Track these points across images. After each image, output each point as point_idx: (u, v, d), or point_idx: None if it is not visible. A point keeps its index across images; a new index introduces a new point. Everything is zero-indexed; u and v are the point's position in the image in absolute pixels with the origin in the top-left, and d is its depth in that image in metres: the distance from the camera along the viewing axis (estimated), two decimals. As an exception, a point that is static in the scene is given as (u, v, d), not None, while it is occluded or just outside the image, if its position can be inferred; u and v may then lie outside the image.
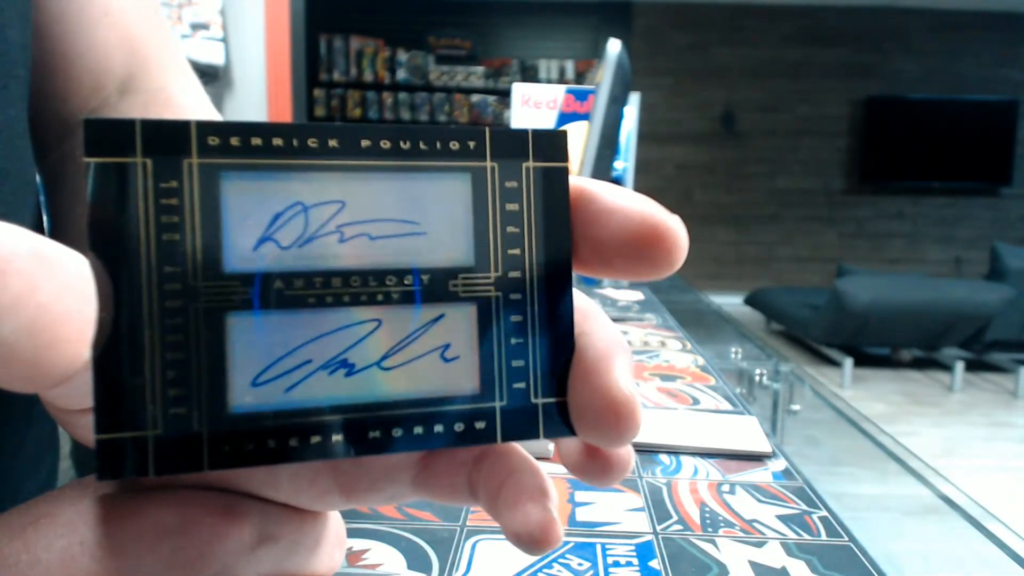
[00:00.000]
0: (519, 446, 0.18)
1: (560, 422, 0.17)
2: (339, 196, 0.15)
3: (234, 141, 0.14)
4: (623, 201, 0.17)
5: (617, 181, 1.50)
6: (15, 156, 0.33)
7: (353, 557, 0.33)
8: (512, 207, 0.16)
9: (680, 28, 6.08)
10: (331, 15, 5.68)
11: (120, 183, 0.14)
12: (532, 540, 0.17)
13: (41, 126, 0.39)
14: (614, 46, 1.05)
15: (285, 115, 2.38)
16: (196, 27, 2.26)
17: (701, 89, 6.15)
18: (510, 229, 0.16)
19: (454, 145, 0.16)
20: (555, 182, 0.17)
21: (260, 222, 0.14)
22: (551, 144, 0.17)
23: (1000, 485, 2.82)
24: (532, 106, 1.84)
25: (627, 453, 0.18)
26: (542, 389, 0.17)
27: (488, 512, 0.18)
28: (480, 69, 5.90)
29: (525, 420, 0.16)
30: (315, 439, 0.15)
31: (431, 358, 0.16)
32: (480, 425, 0.16)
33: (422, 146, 0.16)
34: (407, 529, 0.36)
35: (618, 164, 1.70)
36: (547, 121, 1.82)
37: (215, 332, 0.14)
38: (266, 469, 0.18)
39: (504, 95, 5.67)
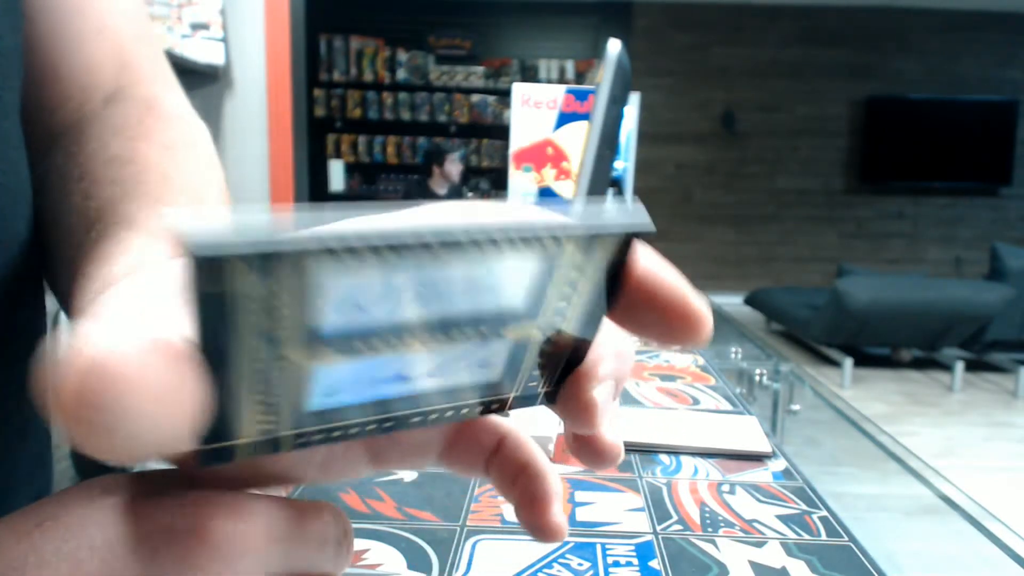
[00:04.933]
0: (532, 441, 0.23)
1: (551, 396, 0.21)
2: (423, 277, 0.16)
3: (329, 241, 0.14)
4: (664, 279, 0.19)
5: (617, 181, 1.50)
6: (11, 169, 0.32)
7: (353, 557, 0.33)
8: (573, 275, 0.18)
9: (680, 28, 6.07)
10: (331, 15, 5.68)
11: (220, 273, 0.14)
12: (550, 537, 0.21)
13: (28, 137, 0.38)
14: (614, 46, 1.05)
15: (285, 115, 2.38)
16: (196, 27, 2.25)
17: (701, 89, 6.15)
18: (565, 289, 0.18)
19: (543, 231, 0.16)
20: (618, 265, 0.19)
21: (348, 301, 0.16)
22: (628, 239, 0.18)
23: (1000, 485, 2.81)
24: (532, 106, 1.84)
25: (616, 442, 0.21)
26: (547, 384, 0.21)
27: (500, 492, 0.23)
28: (480, 69, 5.90)
29: (529, 401, 0.21)
30: (368, 423, 0.18)
31: (469, 366, 0.19)
32: (495, 406, 0.21)
33: (502, 237, 0.16)
34: (407, 529, 0.36)
35: (618, 164, 1.70)
36: (547, 121, 1.82)
37: (300, 379, 0.16)
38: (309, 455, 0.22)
39: (504, 95, 5.67)
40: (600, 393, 0.20)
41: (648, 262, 0.19)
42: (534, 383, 0.20)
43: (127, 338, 0.13)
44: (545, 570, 0.32)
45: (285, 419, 0.17)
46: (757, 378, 0.69)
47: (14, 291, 0.34)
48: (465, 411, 0.20)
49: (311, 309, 0.15)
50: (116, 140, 0.34)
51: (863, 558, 0.34)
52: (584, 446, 0.21)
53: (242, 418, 0.16)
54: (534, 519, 0.21)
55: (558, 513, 0.21)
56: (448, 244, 0.15)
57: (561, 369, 0.20)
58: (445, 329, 0.17)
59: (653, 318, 0.19)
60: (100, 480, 0.18)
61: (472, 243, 0.16)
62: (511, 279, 0.17)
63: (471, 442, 0.23)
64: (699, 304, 0.19)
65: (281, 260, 0.14)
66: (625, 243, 0.18)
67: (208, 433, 0.15)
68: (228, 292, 0.14)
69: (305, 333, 0.15)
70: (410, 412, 0.19)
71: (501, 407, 0.21)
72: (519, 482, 0.22)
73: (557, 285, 0.18)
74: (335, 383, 0.17)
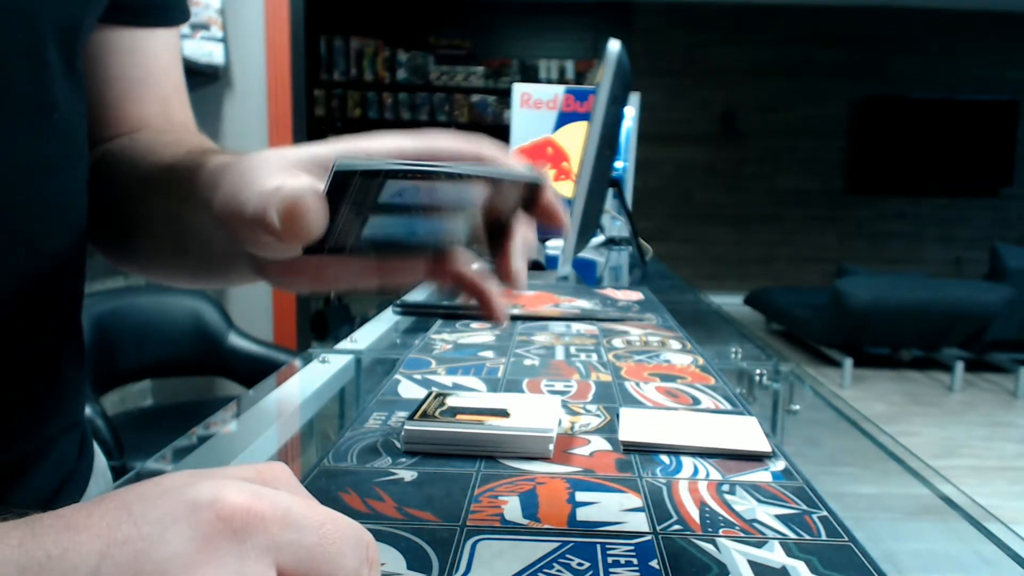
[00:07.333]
0: (477, 275, 0.37)
1: (478, 254, 0.36)
2: (436, 187, 0.31)
3: (401, 170, 0.30)
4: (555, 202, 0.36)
5: (617, 181, 1.50)
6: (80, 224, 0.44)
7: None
8: (511, 192, 0.34)
9: (680, 28, 6.07)
10: (331, 15, 5.68)
11: (344, 183, 0.29)
12: (492, 318, 0.37)
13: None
14: (614, 46, 1.05)
15: (285, 115, 2.38)
16: (196, 27, 2.25)
17: (701, 89, 6.14)
18: (503, 200, 0.35)
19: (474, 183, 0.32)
20: (535, 187, 0.34)
21: (396, 191, 0.30)
22: (541, 179, 0.34)
23: (1000, 485, 2.82)
24: (532, 106, 1.84)
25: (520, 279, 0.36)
26: (482, 252, 0.36)
27: (464, 291, 0.37)
28: (480, 69, 5.90)
29: (463, 251, 0.36)
30: (384, 247, 0.34)
31: (445, 231, 0.35)
32: (446, 249, 0.36)
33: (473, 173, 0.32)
34: (407, 529, 0.36)
35: (618, 164, 1.69)
36: (547, 121, 1.82)
37: (364, 221, 0.32)
38: (341, 265, 0.35)
39: (504, 95, 5.67)
40: (521, 262, 0.36)
41: (549, 194, 0.35)
42: (469, 242, 0.36)
43: (306, 187, 0.29)
44: (545, 570, 0.32)
45: (351, 238, 0.32)
46: (757, 378, 0.69)
47: (76, 264, 0.45)
48: (429, 247, 0.35)
49: (379, 194, 0.30)
50: (166, 136, 0.47)
51: (863, 558, 0.34)
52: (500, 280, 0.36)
53: (331, 233, 0.30)
54: (485, 303, 0.37)
55: (497, 302, 0.37)
56: (437, 174, 0.30)
57: (489, 239, 0.36)
58: (435, 205, 0.32)
59: (545, 219, 0.35)
60: (167, 475, 0.23)
61: (455, 175, 0.31)
62: (477, 193, 0.33)
63: (447, 271, 0.37)
64: (564, 213, 0.36)
65: (377, 176, 0.29)
66: (532, 186, 0.34)
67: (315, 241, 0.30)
68: (351, 180, 0.29)
69: (373, 203, 0.30)
70: (403, 245, 0.34)
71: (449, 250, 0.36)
72: (473, 291, 0.37)
73: (502, 192, 0.33)
74: (377, 227, 0.32)
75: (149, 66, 0.50)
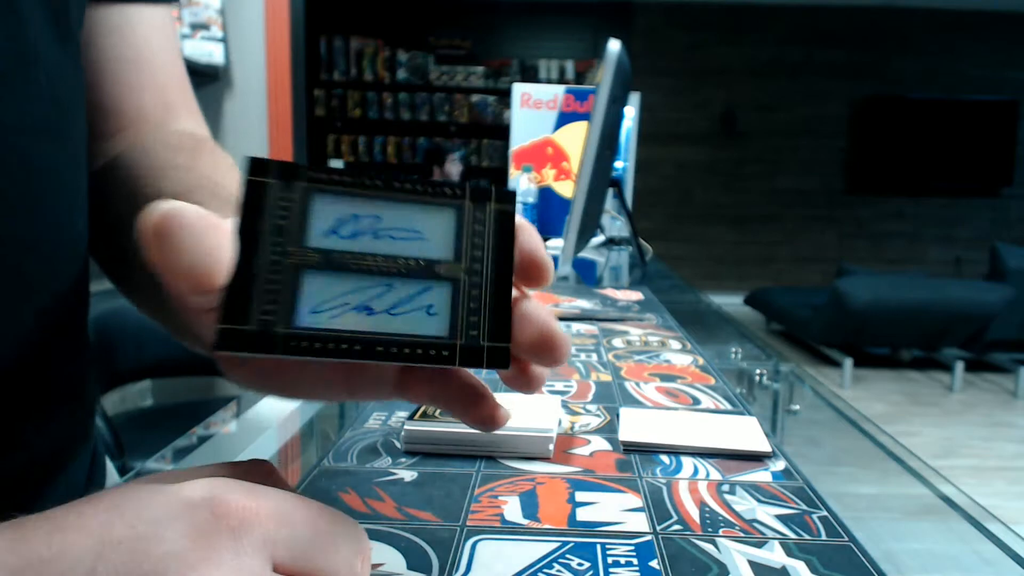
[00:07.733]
0: (465, 372, 0.29)
1: (499, 358, 0.26)
2: (377, 213, 0.25)
3: (323, 175, 0.24)
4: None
5: (617, 181, 1.50)
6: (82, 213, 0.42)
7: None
8: (479, 228, 0.26)
9: (680, 28, 6.07)
10: (331, 15, 5.68)
11: (259, 192, 0.23)
12: (490, 425, 0.29)
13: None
14: (614, 46, 1.05)
15: (285, 115, 2.38)
16: (196, 27, 2.25)
17: (701, 89, 6.14)
18: (476, 240, 0.26)
19: (448, 191, 0.26)
20: (505, 218, 0.27)
21: (330, 221, 0.24)
22: (506, 197, 0.27)
23: (1000, 485, 2.81)
24: (532, 106, 1.84)
25: (544, 373, 0.29)
26: (487, 336, 0.26)
27: (445, 408, 0.29)
28: (480, 69, 5.90)
29: (475, 355, 0.25)
30: (344, 347, 0.24)
31: (421, 312, 0.25)
32: (445, 354, 0.25)
33: (431, 189, 0.26)
34: (407, 529, 0.36)
35: (618, 164, 1.69)
36: (547, 121, 1.82)
37: (295, 279, 0.23)
38: (300, 371, 0.28)
39: (504, 95, 5.67)
40: (558, 329, 0.27)
41: (528, 233, 0.27)
42: (474, 332, 0.26)
43: (191, 208, 0.22)
44: (545, 570, 0.32)
45: (281, 318, 0.23)
46: (757, 378, 0.69)
47: (79, 273, 0.43)
48: (420, 352, 0.25)
49: (308, 221, 0.24)
50: (180, 155, 0.44)
51: (863, 558, 0.34)
52: (524, 374, 0.29)
53: (252, 301, 0.23)
54: (480, 413, 0.29)
55: (497, 407, 0.29)
56: (387, 189, 0.25)
57: (490, 319, 0.26)
58: (393, 257, 0.25)
59: (529, 271, 0.27)
60: (152, 476, 0.23)
61: (409, 182, 0.25)
62: (436, 230, 0.25)
63: (417, 376, 0.29)
64: (548, 260, 0.27)
65: (297, 177, 0.24)
66: (505, 200, 0.26)
67: (225, 309, 0.22)
68: (265, 187, 0.23)
69: (301, 238, 0.24)
70: (375, 342, 0.24)
71: (451, 356, 0.25)
72: (458, 397, 0.29)
73: (468, 233, 0.26)
74: (318, 301, 0.24)
75: (140, 48, 0.48)
